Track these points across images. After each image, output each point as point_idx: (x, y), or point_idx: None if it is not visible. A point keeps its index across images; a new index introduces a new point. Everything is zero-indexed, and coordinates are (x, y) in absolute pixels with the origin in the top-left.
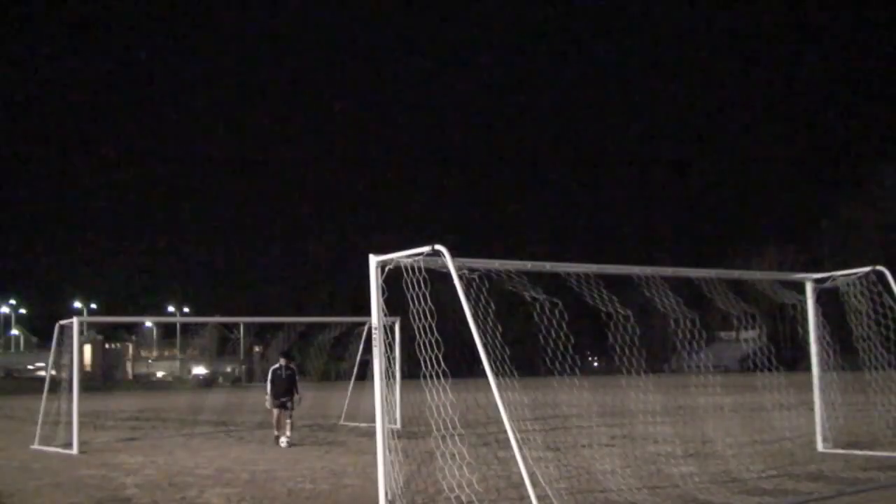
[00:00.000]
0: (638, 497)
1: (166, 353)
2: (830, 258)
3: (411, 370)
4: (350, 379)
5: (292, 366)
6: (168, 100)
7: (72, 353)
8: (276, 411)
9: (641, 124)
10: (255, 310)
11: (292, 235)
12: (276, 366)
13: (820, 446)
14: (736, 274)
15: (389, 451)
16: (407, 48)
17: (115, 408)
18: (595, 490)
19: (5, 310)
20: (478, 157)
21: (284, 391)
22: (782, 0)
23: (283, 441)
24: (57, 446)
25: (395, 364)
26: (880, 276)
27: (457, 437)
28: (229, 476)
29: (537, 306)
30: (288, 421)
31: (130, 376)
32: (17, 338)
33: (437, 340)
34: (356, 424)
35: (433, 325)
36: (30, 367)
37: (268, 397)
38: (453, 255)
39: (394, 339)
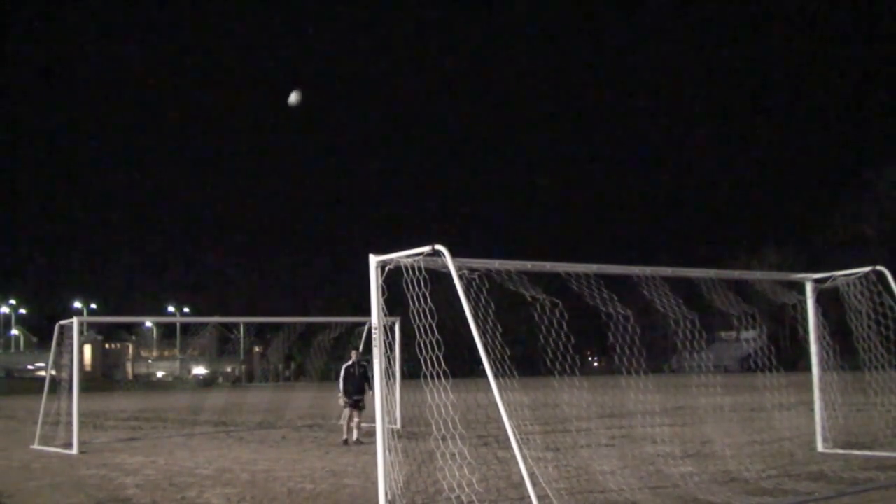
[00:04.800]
0: (638, 497)
1: (166, 353)
2: (830, 258)
3: (411, 370)
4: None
5: (364, 363)
6: (169, 101)
7: (72, 353)
8: (347, 411)
9: (641, 124)
10: (255, 310)
11: (292, 236)
12: (350, 362)
13: (820, 446)
14: (736, 274)
15: (389, 451)
16: (407, 49)
17: (115, 408)
18: (595, 490)
19: (5, 310)
20: (478, 158)
21: (358, 389)
22: None
23: (355, 435)
24: (57, 446)
25: (395, 364)
26: (880, 276)
27: (457, 437)
28: (229, 476)
29: (537, 306)
30: (356, 420)
31: (130, 376)
32: (17, 338)
33: (437, 340)
34: None
35: (433, 325)
36: (30, 367)
37: (340, 396)
38: (453, 255)
39: (394, 339)
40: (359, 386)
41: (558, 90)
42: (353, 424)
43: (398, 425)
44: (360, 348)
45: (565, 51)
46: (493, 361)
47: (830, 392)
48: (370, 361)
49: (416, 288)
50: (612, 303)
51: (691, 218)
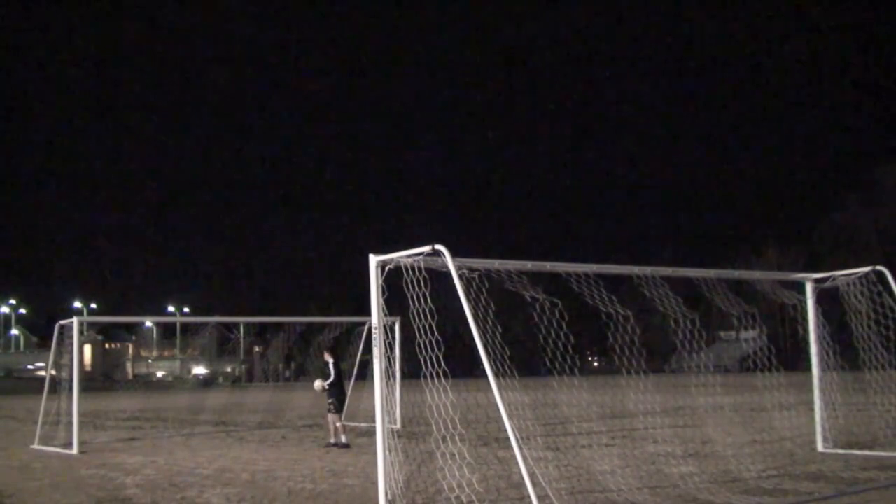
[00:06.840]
0: (638, 497)
1: (166, 353)
2: (830, 258)
3: (411, 370)
4: (350, 379)
5: (338, 366)
6: (169, 101)
7: (72, 353)
8: (329, 415)
9: (641, 125)
10: (255, 310)
11: (292, 235)
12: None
13: (820, 446)
14: (736, 274)
15: (389, 451)
16: (406, 49)
17: (115, 408)
18: (595, 490)
19: (5, 310)
20: (478, 158)
21: (332, 392)
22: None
23: (339, 438)
24: (57, 446)
25: (395, 364)
26: (880, 276)
27: (457, 437)
28: (229, 476)
29: (537, 306)
30: (336, 425)
31: (130, 376)
32: (17, 338)
33: (437, 340)
34: (356, 424)
35: (433, 325)
36: (30, 367)
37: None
38: (453, 255)
39: (394, 339)
40: (334, 390)
41: (558, 89)
42: (336, 428)
43: (398, 425)
44: (362, 348)
45: (565, 50)
46: (493, 361)
47: (830, 392)
48: (369, 362)
49: (416, 288)
50: (612, 303)
51: (691, 218)
